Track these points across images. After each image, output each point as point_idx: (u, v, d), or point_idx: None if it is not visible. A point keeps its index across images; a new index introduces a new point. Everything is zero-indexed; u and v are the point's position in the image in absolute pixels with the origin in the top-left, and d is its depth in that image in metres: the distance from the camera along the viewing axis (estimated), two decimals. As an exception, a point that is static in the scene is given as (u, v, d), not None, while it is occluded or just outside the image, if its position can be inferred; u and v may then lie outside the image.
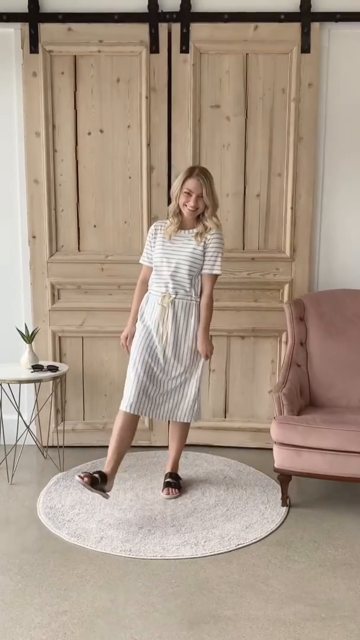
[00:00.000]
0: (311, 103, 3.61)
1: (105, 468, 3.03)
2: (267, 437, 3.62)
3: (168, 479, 3.34)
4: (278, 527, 2.99)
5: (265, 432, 3.72)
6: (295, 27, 3.53)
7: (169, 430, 3.48)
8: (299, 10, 3.52)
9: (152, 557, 2.72)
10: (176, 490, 3.29)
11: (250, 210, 3.74)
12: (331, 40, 3.58)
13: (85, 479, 2.90)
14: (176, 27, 3.56)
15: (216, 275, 3.17)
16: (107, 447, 3.48)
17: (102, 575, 2.59)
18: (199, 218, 3.15)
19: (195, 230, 3.14)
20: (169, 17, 3.55)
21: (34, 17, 3.55)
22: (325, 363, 3.51)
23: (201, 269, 3.14)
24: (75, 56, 3.61)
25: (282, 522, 3.03)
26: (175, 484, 3.33)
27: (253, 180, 3.71)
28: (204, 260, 3.13)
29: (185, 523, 3.00)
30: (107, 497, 3.01)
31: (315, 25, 3.53)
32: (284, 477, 3.13)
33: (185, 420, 3.25)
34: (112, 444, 3.08)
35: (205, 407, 3.92)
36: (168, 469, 3.41)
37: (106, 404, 3.92)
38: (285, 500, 3.17)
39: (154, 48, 3.58)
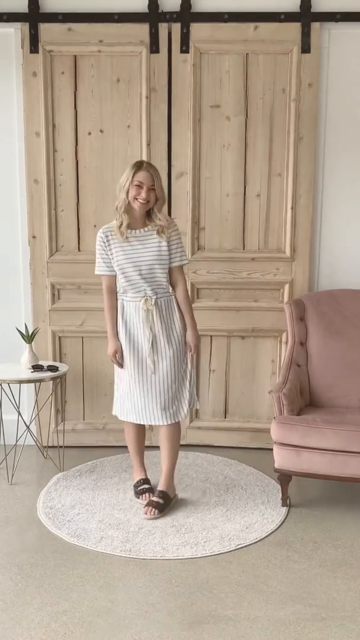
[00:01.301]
0: (311, 103, 3.61)
1: (140, 474, 3.33)
2: (267, 437, 3.62)
3: (153, 498, 3.13)
4: (278, 527, 2.99)
5: (265, 432, 3.72)
6: (295, 27, 3.53)
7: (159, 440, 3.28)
8: (299, 10, 3.52)
9: (152, 557, 2.72)
10: (154, 510, 3.05)
11: (250, 210, 3.74)
12: (331, 40, 3.58)
13: (156, 509, 3.06)
14: (176, 27, 3.56)
15: (184, 265, 3.17)
16: (107, 447, 3.53)
17: (102, 575, 2.59)
18: (148, 214, 3.07)
19: (153, 227, 3.05)
20: (169, 17, 3.55)
21: (34, 17, 3.55)
22: (325, 363, 3.51)
23: (169, 262, 3.08)
24: (75, 56, 3.61)
25: (282, 522, 3.03)
26: (157, 503, 3.08)
27: (253, 180, 3.71)
28: (169, 253, 3.07)
29: (185, 523, 3.00)
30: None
31: (315, 25, 3.53)
32: (284, 477, 3.13)
33: (171, 421, 3.10)
34: (132, 451, 3.34)
35: (205, 407, 3.93)
36: (159, 486, 3.19)
37: (106, 404, 3.91)
38: (285, 500, 3.17)
39: (154, 48, 3.58)
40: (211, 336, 3.86)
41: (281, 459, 3.08)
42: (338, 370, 3.49)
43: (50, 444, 3.85)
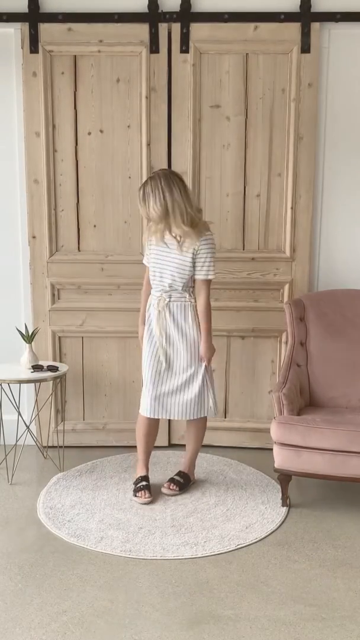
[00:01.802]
0: (311, 103, 3.60)
1: (142, 470, 3.34)
2: (267, 437, 3.62)
3: (175, 476, 3.35)
4: (278, 527, 2.99)
5: (265, 432, 3.71)
6: (295, 27, 3.53)
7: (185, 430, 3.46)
8: (299, 10, 3.52)
9: (152, 557, 2.72)
10: (176, 487, 3.29)
11: (250, 210, 3.74)
12: (331, 40, 3.58)
13: (146, 494, 3.20)
14: (176, 27, 3.56)
15: (210, 280, 3.17)
16: (107, 447, 3.51)
17: (102, 575, 2.59)
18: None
19: (180, 239, 3.10)
20: (169, 17, 3.55)
21: (34, 17, 3.54)
22: (325, 363, 3.51)
23: (192, 272, 3.12)
24: (75, 56, 3.61)
25: (282, 522, 3.03)
26: (178, 481, 3.32)
27: (253, 180, 3.71)
28: (194, 265, 3.11)
29: (185, 523, 3.00)
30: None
31: (315, 25, 3.53)
32: (284, 477, 3.13)
33: (197, 416, 3.23)
34: (141, 447, 3.35)
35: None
36: (180, 468, 3.42)
37: (106, 404, 3.92)
38: (285, 500, 3.17)
39: (154, 48, 3.58)
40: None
41: (281, 459, 3.08)
42: (338, 370, 3.49)
43: (50, 444, 3.85)
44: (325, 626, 2.29)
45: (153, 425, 3.31)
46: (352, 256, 3.80)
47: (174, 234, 3.10)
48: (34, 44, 3.57)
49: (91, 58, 3.61)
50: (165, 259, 3.13)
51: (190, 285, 3.16)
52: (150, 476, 3.34)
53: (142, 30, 3.56)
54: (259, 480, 3.47)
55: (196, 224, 3.08)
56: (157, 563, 2.68)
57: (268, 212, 3.74)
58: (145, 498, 3.19)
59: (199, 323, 3.19)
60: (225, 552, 2.77)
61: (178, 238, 3.09)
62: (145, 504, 3.17)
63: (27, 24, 3.56)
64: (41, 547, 2.80)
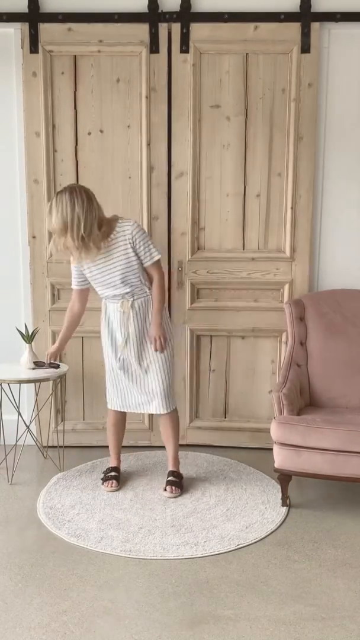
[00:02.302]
0: (311, 103, 3.60)
1: (113, 461, 3.46)
2: (267, 437, 3.62)
3: (170, 477, 3.35)
4: (278, 527, 2.99)
5: (265, 432, 3.72)
6: (295, 27, 3.53)
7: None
8: (299, 10, 3.52)
9: (152, 557, 2.72)
10: (178, 489, 3.29)
11: (250, 210, 3.74)
12: (331, 40, 3.58)
13: (113, 484, 3.34)
14: (176, 27, 3.56)
15: (157, 261, 3.16)
16: (107, 447, 3.52)
17: (102, 575, 2.59)
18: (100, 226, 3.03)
19: (112, 240, 3.08)
20: (169, 17, 3.55)
21: (34, 17, 3.54)
22: (325, 363, 3.51)
23: (141, 263, 3.13)
24: (75, 56, 3.61)
25: (282, 522, 3.03)
26: (178, 483, 3.33)
27: (253, 180, 3.71)
28: (137, 254, 3.10)
29: (185, 523, 3.00)
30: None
31: (315, 25, 3.53)
32: (284, 477, 3.13)
33: (161, 412, 3.29)
34: (110, 438, 3.47)
35: (205, 407, 3.93)
36: (169, 467, 3.43)
37: (106, 404, 3.91)
38: (285, 500, 3.17)
39: (154, 48, 3.58)
40: (211, 336, 3.86)
41: (281, 459, 3.08)
42: (338, 370, 3.49)
43: (50, 444, 3.85)
44: (325, 626, 2.29)
45: (119, 417, 3.43)
46: (352, 256, 3.80)
47: (109, 237, 3.07)
48: (34, 44, 3.57)
49: (91, 58, 3.61)
50: (108, 268, 3.11)
51: (144, 273, 3.17)
52: (150, 476, 3.35)
53: (142, 30, 3.56)
54: (259, 480, 3.47)
55: (102, 224, 3.04)
56: (157, 563, 2.68)
57: (268, 212, 3.74)
58: (111, 487, 3.32)
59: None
60: (225, 552, 2.77)
61: (114, 239, 3.08)
62: (111, 492, 3.30)
63: (27, 24, 3.56)
64: (41, 547, 2.80)
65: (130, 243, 3.07)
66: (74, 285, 3.29)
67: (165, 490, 3.30)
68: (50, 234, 3.72)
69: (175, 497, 3.26)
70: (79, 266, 3.20)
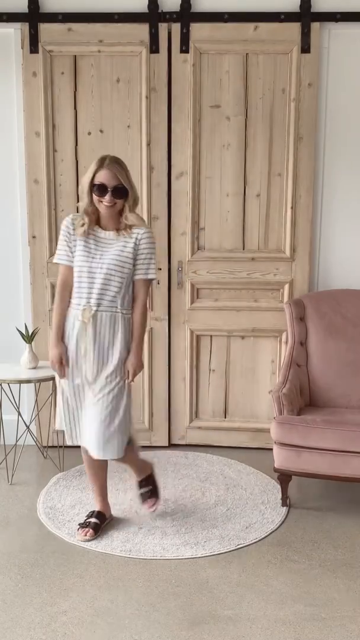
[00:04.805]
0: (311, 103, 3.60)
1: (97, 505, 2.98)
2: (267, 437, 3.62)
3: (141, 490, 3.06)
4: (278, 527, 2.99)
5: (265, 432, 3.72)
6: (295, 27, 3.53)
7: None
8: (299, 10, 3.52)
9: (152, 557, 2.72)
10: (154, 499, 3.06)
11: (250, 210, 3.74)
12: (331, 40, 3.58)
13: (88, 533, 2.83)
14: (176, 27, 3.56)
15: (151, 280, 2.77)
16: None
17: (102, 575, 2.59)
18: (120, 214, 2.72)
19: (123, 230, 2.73)
20: (169, 17, 3.55)
21: (34, 17, 3.54)
22: (325, 363, 3.51)
23: (131, 273, 2.72)
24: (75, 56, 3.61)
25: (282, 522, 3.03)
26: (149, 492, 3.06)
27: (253, 180, 3.71)
28: (135, 263, 2.72)
29: (185, 523, 3.00)
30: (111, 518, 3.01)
31: (315, 25, 3.53)
32: (284, 477, 3.13)
33: (108, 457, 2.77)
34: (90, 479, 2.99)
35: (205, 407, 3.93)
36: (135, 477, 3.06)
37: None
38: (285, 500, 3.17)
39: (154, 48, 3.58)
40: (211, 336, 3.86)
41: (281, 459, 3.08)
42: (338, 370, 3.49)
43: (50, 444, 3.85)
44: (325, 626, 2.29)
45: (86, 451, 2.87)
46: (352, 256, 3.80)
47: (126, 221, 2.74)
48: (34, 44, 3.57)
49: (91, 58, 3.61)
50: (99, 255, 2.73)
51: (124, 289, 2.74)
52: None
53: (142, 30, 3.56)
54: (259, 480, 3.47)
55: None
56: (156, 563, 2.68)
57: (268, 212, 3.74)
58: (84, 536, 2.82)
59: (128, 339, 2.76)
60: (225, 552, 2.77)
61: (128, 226, 2.74)
62: (83, 541, 2.81)
63: (27, 24, 3.56)
64: (41, 547, 2.80)
65: (135, 245, 2.69)
66: (65, 260, 2.75)
67: (144, 504, 3.05)
68: (49, 233, 3.74)
69: (155, 509, 3.05)
70: (69, 242, 2.75)
